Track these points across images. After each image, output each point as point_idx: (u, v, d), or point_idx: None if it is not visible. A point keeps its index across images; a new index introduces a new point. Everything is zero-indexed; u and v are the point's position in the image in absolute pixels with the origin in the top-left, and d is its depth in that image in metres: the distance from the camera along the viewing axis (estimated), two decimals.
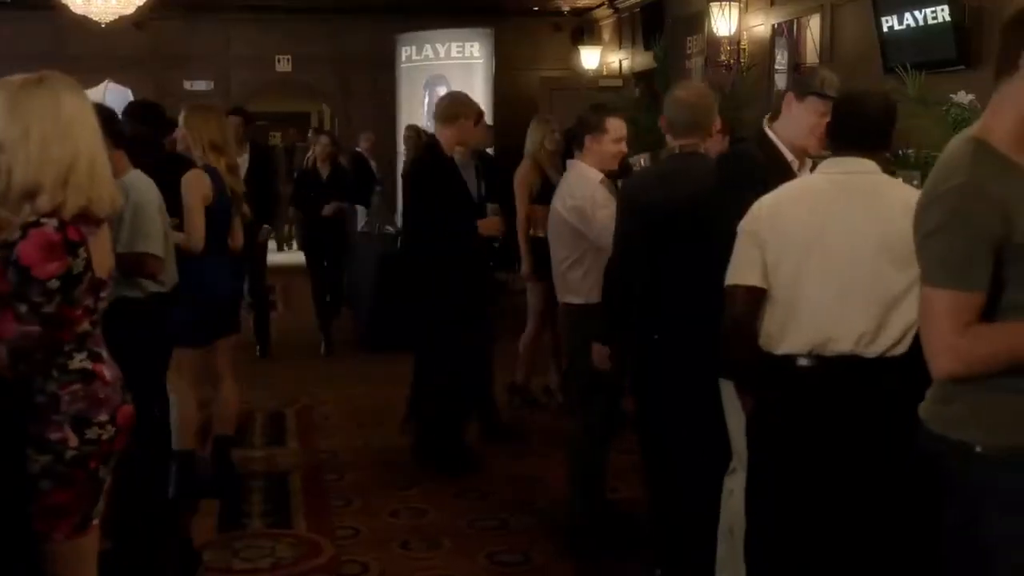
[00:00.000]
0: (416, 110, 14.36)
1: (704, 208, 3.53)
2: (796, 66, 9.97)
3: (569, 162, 4.68)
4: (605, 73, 14.27)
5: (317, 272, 8.92)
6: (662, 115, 4.02)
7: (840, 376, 2.95)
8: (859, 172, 2.98)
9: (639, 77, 12.66)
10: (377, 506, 5.01)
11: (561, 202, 4.53)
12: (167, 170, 4.94)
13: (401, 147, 11.35)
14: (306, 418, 6.70)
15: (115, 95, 11.28)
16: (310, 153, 9.17)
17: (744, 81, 8.85)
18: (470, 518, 4.87)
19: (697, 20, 10.60)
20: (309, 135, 16.53)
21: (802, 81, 3.56)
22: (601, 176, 4.46)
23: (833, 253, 2.92)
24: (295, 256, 13.40)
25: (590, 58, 14.49)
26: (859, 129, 3.01)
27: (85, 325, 2.62)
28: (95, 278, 2.60)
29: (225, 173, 4.82)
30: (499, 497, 5.17)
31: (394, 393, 6.39)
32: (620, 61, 14.10)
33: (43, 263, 2.45)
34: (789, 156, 3.50)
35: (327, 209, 8.67)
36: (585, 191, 4.41)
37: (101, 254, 2.64)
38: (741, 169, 3.55)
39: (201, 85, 14.75)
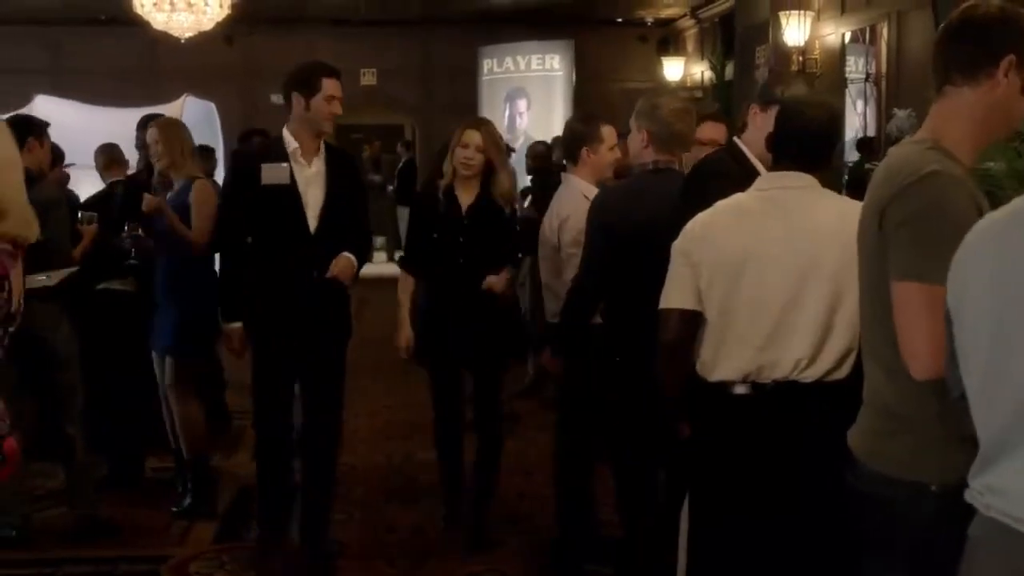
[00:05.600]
0: (497, 123, 14.35)
1: (669, 227, 3.38)
2: (868, 75, 9.71)
3: (564, 176, 4.55)
4: (688, 84, 14.08)
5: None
6: (641, 128, 3.87)
7: (777, 404, 2.80)
8: (794, 187, 2.84)
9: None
10: (375, 520, 4.98)
11: (559, 221, 4.36)
12: None
13: None
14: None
15: (194, 109, 11.50)
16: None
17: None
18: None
19: (765, 30, 10.37)
20: (398, 148, 16.70)
21: (766, 91, 3.41)
22: (595, 191, 4.31)
23: (763, 276, 2.78)
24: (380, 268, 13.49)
25: (673, 69, 14.31)
26: (799, 143, 2.86)
27: None
28: (10, 313, 2.59)
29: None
30: (504, 514, 5.06)
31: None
32: (702, 72, 13.89)
33: None
34: (762, 169, 3.34)
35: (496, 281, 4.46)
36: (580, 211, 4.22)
37: (19, 285, 2.63)
38: (702, 180, 3.41)
39: None
